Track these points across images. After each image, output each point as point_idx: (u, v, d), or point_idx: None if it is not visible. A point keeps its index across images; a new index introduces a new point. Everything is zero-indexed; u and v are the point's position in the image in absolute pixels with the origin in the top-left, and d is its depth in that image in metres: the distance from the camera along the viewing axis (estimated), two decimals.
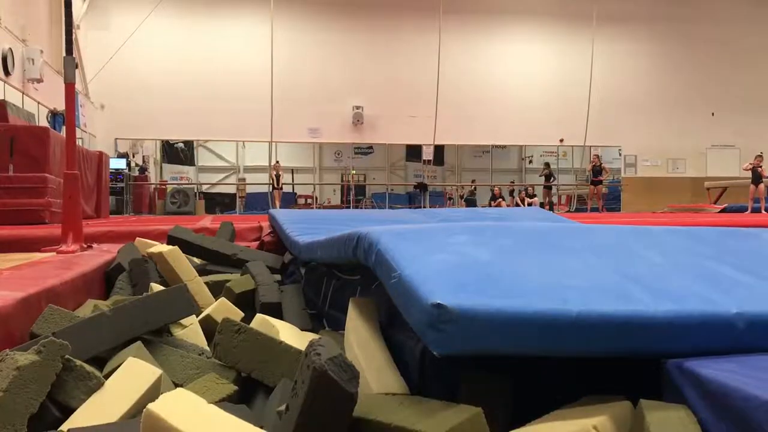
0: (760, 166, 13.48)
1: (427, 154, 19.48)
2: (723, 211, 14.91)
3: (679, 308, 1.25)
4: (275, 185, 17.45)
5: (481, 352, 1.19)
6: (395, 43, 17.93)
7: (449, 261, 1.39)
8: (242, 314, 2.55)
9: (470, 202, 20.70)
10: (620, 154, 19.38)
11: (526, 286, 1.27)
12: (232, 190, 22.28)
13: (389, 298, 1.89)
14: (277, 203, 16.96)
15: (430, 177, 22.38)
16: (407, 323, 1.40)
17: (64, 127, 11.82)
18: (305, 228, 3.68)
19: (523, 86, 18.50)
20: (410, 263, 1.36)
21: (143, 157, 19.60)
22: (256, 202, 19.88)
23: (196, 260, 3.63)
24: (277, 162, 18.12)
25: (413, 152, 22.01)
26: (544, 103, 18.48)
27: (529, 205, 17.46)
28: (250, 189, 21.27)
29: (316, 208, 21.64)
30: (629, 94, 18.77)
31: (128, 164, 17.21)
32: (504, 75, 18.48)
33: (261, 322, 2.27)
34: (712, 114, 19.28)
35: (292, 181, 22.79)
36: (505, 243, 1.56)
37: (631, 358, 1.27)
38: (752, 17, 19.53)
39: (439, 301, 1.17)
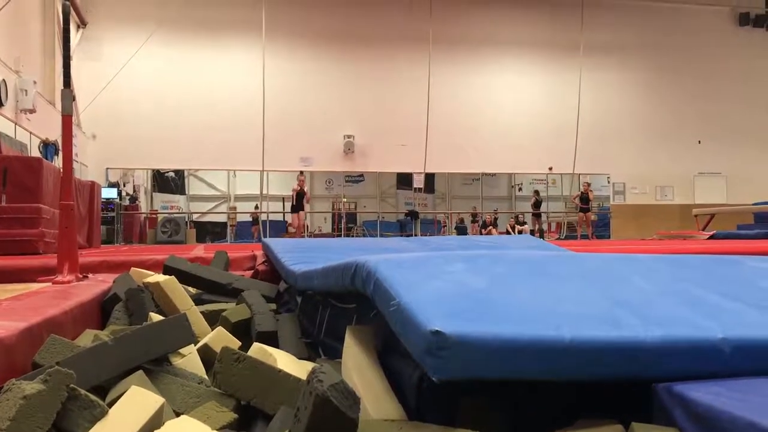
0: None
1: (418, 182, 19.59)
2: (712, 237, 15.01)
3: (668, 333, 1.29)
4: (295, 204, 15.57)
5: (478, 377, 1.24)
6: (386, 72, 18.14)
7: (446, 289, 1.44)
8: (239, 343, 2.57)
9: (461, 230, 20.80)
10: (609, 182, 19.56)
11: (520, 313, 1.32)
12: (222, 218, 22.29)
13: (386, 325, 1.93)
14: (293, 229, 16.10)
15: (420, 205, 22.49)
16: (404, 350, 1.44)
17: (56, 157, 11.86)
18: (300, 257, 3.72)
19: (512, 115, 18.72)
20: (408, 291, 1.41)
21: (134, 186, 19.62)
22: (247, 231, 19.91)
23: (192, 290, 3.66)
24: (302, 174, 16.73)
25: (404, 180, 22.14)
26: (533, 131, 18.69)
27: (520, 232, 17.55)
28: (240, 218, 21.29)
29: (308, 235, 21.67)
30: (617, 122, 19.02)
31: (119, 193, 17.22)
32: (493, 103, 18.70)
33: (258, 350, 2.30)
34: (699, 142, 19.55)
35: (283, 209, 22.84)
36: (499, 271, 1.61)
37: (623, 381, 1.31)
38: (737, 47, 19.92)
39: (437, 328, 1.21)
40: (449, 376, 1.22)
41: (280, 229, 20.77)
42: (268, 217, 19.18)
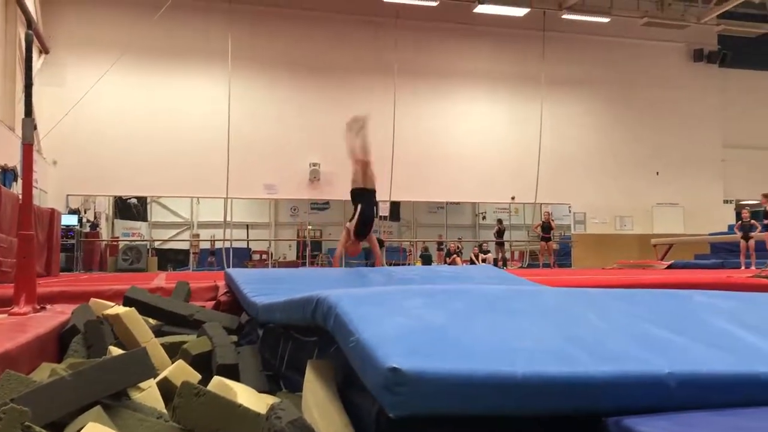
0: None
1: (383, 210, 19.67)
2: (670, 267, 15.34)
3: (617, 369, 1.34)
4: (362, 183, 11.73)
5: (434, 412, 1.27)
6: (351, 101, 18.24)
7: (405, 325, 1.47)
8: (199, 376, 2.56)
9: (426, 258, 20.87)
10: (570, 212, 19.89)
11: (476, 349, 1.36)
12: (185, 246, 22.03)
13: (346, 360, 1.94)
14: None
15: (386, 233, 22.54)
16: (364, 385, 1.46)
17: (15, 183, 11.62)
18: (262, 288, 3.71)
19: (476, 144, 18.97)
20: (367, 327, 1.44)
21: (95, 213, 19.31)
22: (209, 259, 19.70)
23: (152, 321, 3.62)
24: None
25: None
26: (497, 161, 18.96)
27: (483, 261, 17.69)
28: (204, 245, 21.07)
29: (272, 263, 21.51)
30: (578, 153, 19.41)
31: (80, 220, 16.92)
32: (458, 133, 18.94)
33: (218, 384, 2.29)
34: (657, 173, 20.03)
35: (247, 236, 22.68)
36: (457, 306, 1.65)
37: (575, 415, 1.35)
38: (693, 82, 20.57)
39: (394, 365, 1.24)
40: (406, 412, 1.24)
41: (243, 256, 20.59)
42: (231, 244, 19.02)
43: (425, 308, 1.62)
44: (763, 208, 13.22)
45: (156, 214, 23.34)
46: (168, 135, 16.93)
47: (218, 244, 19.25)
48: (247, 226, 22.80)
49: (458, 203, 22.59)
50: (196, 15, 17.20)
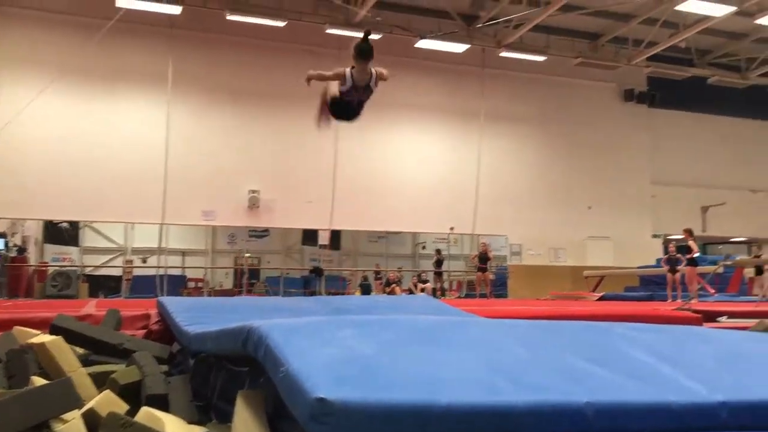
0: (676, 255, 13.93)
1: (324, 238, 19.62)
2: (601, 299, 15.77)
3: (538, 398, 1.40)
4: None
5: None
6: (293, 129, 18.24)
7: (334, 355, 1.49)
8: (127, 407, 2.50)
9: (365, 287, 20.86)
10: (506, 243, 20.26)
11: (403, 379, 1.39)
12: (118, 272, 21.42)
13: (277, 390, 1.95)
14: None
15: (326, 261, 22.45)
16: (293, 415, 1.47)
17: None
18: (195, 317, 3.66)
19: (417, 175, 19.20)
20: (297, 358, 1.45)
21: (23, 237, 18.61)
22: (143, 286, 19.16)
23: (80, 350, 3.52)
24: None
25: (309, 236, 22.10)
26: (437, 192, 19.21)
27: (422, 290, 17.80)
28: (138, 272, 20.54)
29: (208, 291, 21.11)
30: (514, 186, 19.86)
31: (6, 245, 16.28)
32: (399, 164, 19.14)
33: (146, 415, 2.25)
34: (589, 207, 20.64)
35: (182, 264, 22.23)
36: (388, 337, 1.68)
37: None
38: (622, 121, 21.38)
39: (321, 396, 1.27)
40: None
41: (178, 284, 20.15)
42: (166, 271, 18.60)
43: (355, 339, 1.64)
44: (685, 243, 13.78)
45: (88, 239, 22.64)
46: (104, 158, 16.54)
47: (153, 271, 18.80)
48: (183, 253, 22.37)
49: (399, 233, 22.74)
50: (136, 38, 16.97)
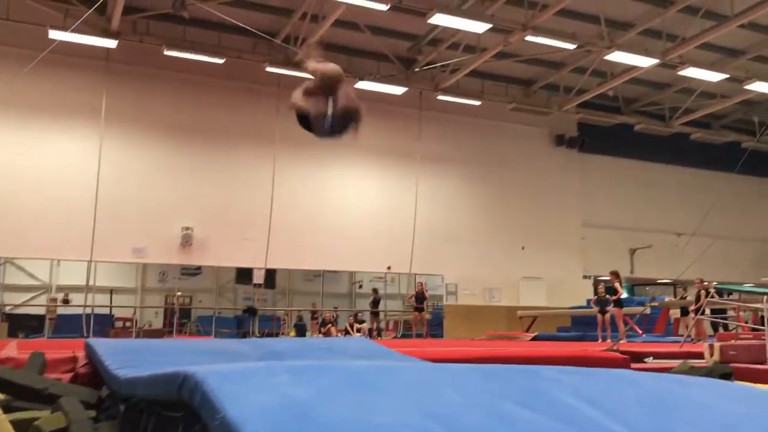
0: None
1: (258, 277, 19.37)
2: (534, 339, 16.05)
3: None
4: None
5: None
6: (230, 166, 18.12)
7: (269, 402, 1.50)
8: None
9: (300, 327, 20.63)
10: (443, 282, 20.45)
11: (338, 425, 1.41)
12: (41, 311, 20.53)
13: None
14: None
15: (260, 300, 22.11)
16: None
17: None
18: (125, 360, 3.57)
19: (354, 214, 19.27)
20: (233, 405, 1.45)
21: None
22: (68, 325, 18.43)
23: (0, 395, 3.38)
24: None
25: (244, 274, 21.77)
26: (374, 231, 19.30)
27: (358, 331, 17.73)
28: (62, 310, 19.73)
29: (137, 331, 20.44)
30: (450, 227, 20.14)
31: None
32: (336, 203, 19.19)
33: None
34: (523, 248, 21.11)
35: (110, 302, 21.49)
36: (322, 383, 1.69)
37: None
38: (556, 165, 22.06)
39: None
40: None
41: (106, 323, 19.45)
42: (93, 310, 17.96)
43: (290, 385, 1.65)
44: (611, 284, 14.23)
45: (9, 275, 21.67)
46: (30, 192, 15.99)
47: (79, 311, 18.11)
48: (111, 290, 21.65)
49: (335, 272, 22.65)
50: (70, 71, 16.61)
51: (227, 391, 1.54)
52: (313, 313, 21.27)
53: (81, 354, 4.53)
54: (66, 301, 19.09)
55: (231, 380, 1.63)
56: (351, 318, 19.73)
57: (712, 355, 7.31)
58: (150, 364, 3.21)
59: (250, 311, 19.18)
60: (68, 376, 4.22)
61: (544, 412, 1.68)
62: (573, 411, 1.71)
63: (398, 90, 18.31)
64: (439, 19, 14.55)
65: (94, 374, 4.11)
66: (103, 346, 4.10)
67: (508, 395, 1.78)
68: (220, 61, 16.64)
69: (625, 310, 16.05)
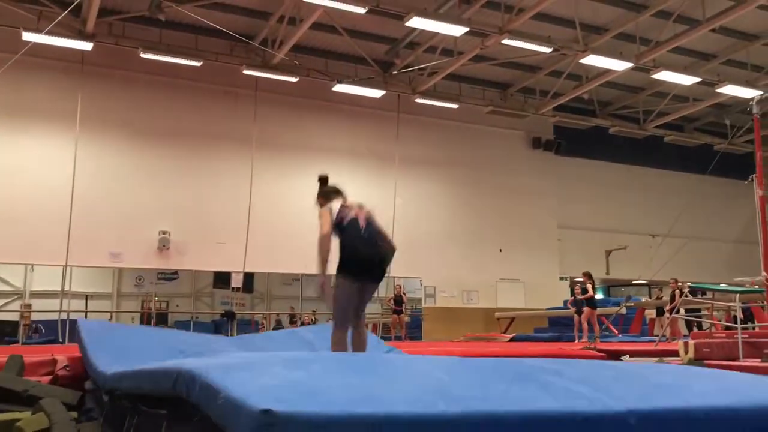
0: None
1: (237, 281, 19.26)
2: (512, 340, 16.16)
3: (469, 408, 1.48)
4: None
5: None
6: (207, 170, 18.02)
7: (270, 381, 1.55)
8: None
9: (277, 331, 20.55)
10: (421, 285, 20.51)
11: (338, 396, 1.46)
12: (14, 317, 20.20)
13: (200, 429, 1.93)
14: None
15: (238, 305, 21.99)
16: None
17: None
18: (111, 347, 3.55)
19: None
20: (236, 386, 1.50)
21: None
22: (47, 331, 18.19)
23: None
24: None
25: (221, 279, 21.63)
26: None
27: None
28: (36, 316, 19.44)
29: None
30: (428, 229, 20.20)
31: None
32: (313, 206, 19.14)
33: None
34: (500, 250, 21.25)
35: (86, 308, 21.22)
36: (316, 368, 1.73)
37: None
38: (532, 167, 22.25)
39: (267, 407, 1.33)
40: None
41: None
42: (68, 315, 17.72)
43: (287, 370, 1.69)
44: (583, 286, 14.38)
45: None
46: (4, 197, 15.77)
47: (54, 315, 17.87)
48: (86, 296, 21.38)
49: (313, 275, 22.55)
50: (45, 74, 16.42)
51: (227, 378, 1.59)
52: (292, 316, 21.21)
53: (61, 357, 4.48)
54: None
55: (227, 370, 1.66)
56: (329, 321, 19.67)
57: (686, 352, 7.44)
58: (139, 357, 3.19)
59: (229, 315, 19.06)
60: (47, 378, 4.18)
61: (534, 387, 1.73)
62: (560, 386, 1.76)
63: (376, 93, 18.36)
64: (417, 23, 14.62)
65: (73, 377, 4.07)
66: (90, 331, 4.07)
67: (496, 376, 1.82)
68: (197, 63, 16.54)
69: (601, 310, 16.26)
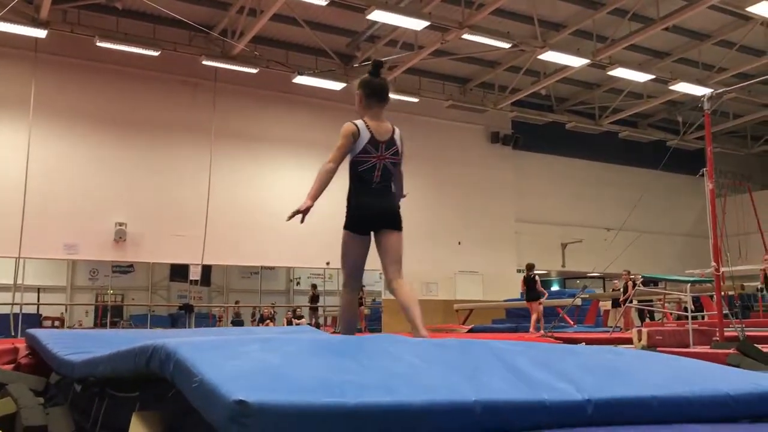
0: None
1: (195, 273, 19.07)
2: (470, 331, 16.37)
3: (433, 398, 1.55)
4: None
5: None
6: (165, 160, 17.79)
7: (245, 366, 1.58)
8: None
9: (237, 324, 20.46)
10: (380, 278, 20.62)
11: (311, 384, 1.50)
12: None
13: (174, 410, 1.98)
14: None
15: (195, 298, 21.80)
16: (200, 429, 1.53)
17: None
18: (72, 346, 3.54)
19: (290, 209, 19.14)
20: (209, 368, 1.52)
21: None
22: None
23: None
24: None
25: (178, 272, 21.40)
26: (313, 227, 19.10)
27: (298, 325, 17.70)
28: None
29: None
30: None
31: None
32: (272, 198, 19.01)
33: None
34: (459, 243, 21.48)
35: (38, 301, 20.78)
36: (290, 350, 1.78)
37: None
38: (491, 161, 22.52)
39: (240, 398, 1.35)
40: None
41: (33, 323, 18.80)
42: (21, 309, 17.34)
43: (261, 352, 1.73)
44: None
45: None
46: None
47: (6, 309, 17.46)
48: (39, 289, 20.93)
49: (272, 268, 22.50)
50: None
51: (201, 358, 1.60)
52: (254, 309, 21.11)
53: (21, 346, 4.45)
54: None
55: (203, 349, 1.69)
56: (289, 313, 19.70)
57: (640, 340, 7.69)
58: (98, 349, 3.20)
59: (186, 308, 18.88)
60: (9, 367, 4.14)
61: (497, 374, 1.81)
62: (522, 373, 1.84)
63: (336, 86, 18.35)
64: (378, 16, 14.68)
65: (38, 364, 4.05)
66: (45, 335, 4.05)
67: (461, 360, 1.90)
68: (155, 53, 16.31)
69: (557, 302, 16.62)
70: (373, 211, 4.27)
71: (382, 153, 4.26)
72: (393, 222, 4.39)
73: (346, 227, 4.31)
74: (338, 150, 4.28)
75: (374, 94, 4.27)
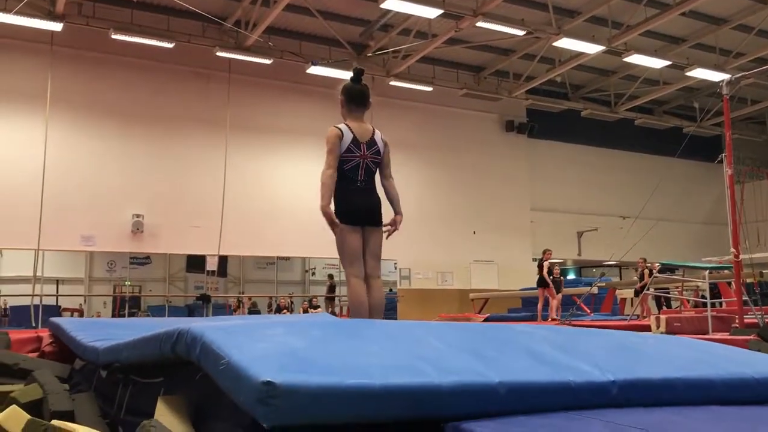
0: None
1: (211, 264, 19.18)
2: (486, 320, 16.37)
3: (458, 379, 1.56)
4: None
5: (304, 422, 1.39)
6: (181, 152, 17.87)
7: (271, 348, 1.59)
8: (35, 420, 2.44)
9: (254, 313, 20.57)
10: (396, 268, 20.63)
11: (337, 366, 1.52)
12: None
13: (201, 394, 2.00)
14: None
15: (212, 288, 21.93)
16: (222, 414, 1.55)
17: None
18: (97, 334, 3.59)
19: (307, 201, 19.04)
20: (236, 351, 1.54)
21: None
22: (18, 317, 17.99)
23: None
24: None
25: (194, 263, 21.52)
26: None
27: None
28: (10, 302, 19.21)
29: None
30: (403, 212, 20.23)
31: None
32: (288, 189, 19.09)
33: (60, 425, 2.23)
34: (474, 232, 21.43)
35: (57, 292, 21.01)
36: (316, 333, 1.80)
37: (419, 422, 1.54)
38: (506, 150, 22.42)
39: (268, 379, 1.37)
40: (280, 423, 1.36)
41: (52, 314, 19.01)
42: (41, 300, 17.54)
43: (286, 335, 1.75)
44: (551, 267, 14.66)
45: None
46: None
47: (27, 301, 17.66)
48: (57, 281, 21.15)
49: (287, 259, 22.58)
50: (13, 55, 16.12)
51: (227, 341, 1.62)
52: (270, 300, 21.22)
53: (45, 334, 4.51)
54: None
55: (230, 333, 1.71)
56: (305, 303, 19.78)
57: (658, 327, 7.66)
58: (121, 336, 3.24)
59: (204, 299, 18.99)
60: (34, 355, 4.20)
61: (521, 356, 1.82)
62: (547, 355, 1.85)
63: (350, 75, 18.29)
64: (391, 4, 14.62)
65: (61, 352, 4.11)
66: (69, 323, 4.11)
67: (485, 343, 1.91)
68: (170, 45, 16.35)
69: (573, 290, 16.56)
70: (360, 207, 4.55)
71: (365, 152, 4.59)
72: (376, 219, 4.66)
73: (339, 222, 4.48)
74: (329, 155, 4.57)
75: (354, 100, 4.67)
